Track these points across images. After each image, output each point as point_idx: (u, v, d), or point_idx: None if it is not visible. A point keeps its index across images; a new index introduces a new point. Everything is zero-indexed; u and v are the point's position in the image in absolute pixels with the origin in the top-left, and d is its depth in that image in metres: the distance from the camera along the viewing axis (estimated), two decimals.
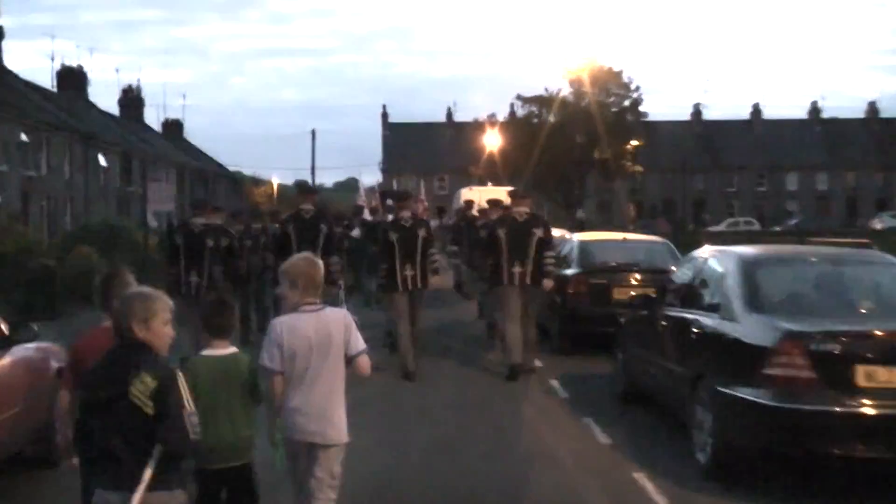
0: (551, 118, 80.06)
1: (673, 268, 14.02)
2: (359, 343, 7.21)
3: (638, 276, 17.75)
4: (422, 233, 15.86)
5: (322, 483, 7.07)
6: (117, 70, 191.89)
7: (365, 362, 7.23)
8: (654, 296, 13.05)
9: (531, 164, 72.31)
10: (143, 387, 5.26)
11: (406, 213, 16.07)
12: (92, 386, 5.47)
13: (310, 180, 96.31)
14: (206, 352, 7.01)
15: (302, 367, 7.03)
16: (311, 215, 15.69)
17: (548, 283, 15.82)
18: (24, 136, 48.86)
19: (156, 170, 70.33)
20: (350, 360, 7.19)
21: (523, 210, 15.88)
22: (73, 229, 37.76)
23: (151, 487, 5.24)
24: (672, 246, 19.27)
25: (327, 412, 7.10)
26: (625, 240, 19.37)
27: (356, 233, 24.80)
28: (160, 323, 5.57)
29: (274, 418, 7.13)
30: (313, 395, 7.04)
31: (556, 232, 31.53)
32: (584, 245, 19.10)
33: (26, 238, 34.89)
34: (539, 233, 15.63)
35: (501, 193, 21.27)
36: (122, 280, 6.93)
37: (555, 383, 15.24)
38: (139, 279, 7.13)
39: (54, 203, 52.72)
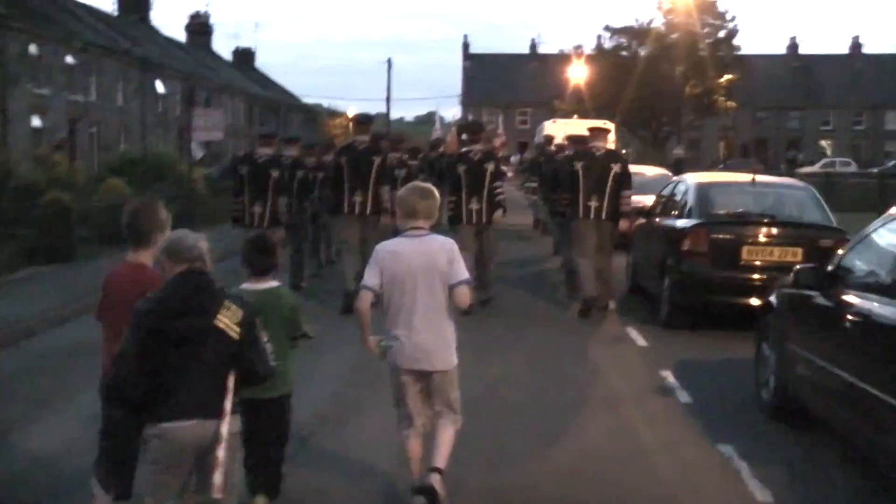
0: (641, 51, 75.68)
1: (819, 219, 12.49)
2: (461, 272, 7.04)
3: (775, 230, 13.63)
4: (490, 167, 15.38)
5: (448, 407, 7.16)
6: None
7: (464, 292, 7.04)
8: (829, 269, 8.75)
9: (619, 98, 68.66)
10: (230, 314, 5.41)
11: (476, 147, 15.66)
12: (171, 315, 5.34)
13: (385, 111, 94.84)
14: (246, 285, 6.99)
15: (405, 292, 6.98)
16: (364, 146, 15.36)
17: (624, 223, 15.53)
18: (70, 59, 45.20)
19: (220, 99, 67.15)
20: (450, 289, 6.99)
21: (601, 145, 15.61)
22: (111, 159, 33.88)
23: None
24: (816, 192, 14.98)
25: (434, 338, 7.03)
26: (754, 182, 14.95)
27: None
28: (209, 265, 5.63)
29: (367, 335, 7.03)
30: (418, 322, 6.98)
31: (655, 170, 28.30)
32: (702, 189, 14.83)
33: (56, 168, 31.48)
34: (616, 168, 15.27)
35: (585, 128, 18.76)
36: (152, 213, 6.44)
37: (668, 376, 11.40)
38: (183, 214, 7.02)
39: (106, 131, 49.23)
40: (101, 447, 5.73)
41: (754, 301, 12.73)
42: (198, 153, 32.30)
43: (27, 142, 40.12)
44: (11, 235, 21.34)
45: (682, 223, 14.18)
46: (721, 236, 13.57)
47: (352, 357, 11.35)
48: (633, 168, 29.52)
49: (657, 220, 15.88)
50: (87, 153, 45.66)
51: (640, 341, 13.32)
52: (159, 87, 56.58)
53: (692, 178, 15.77)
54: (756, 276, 13.24)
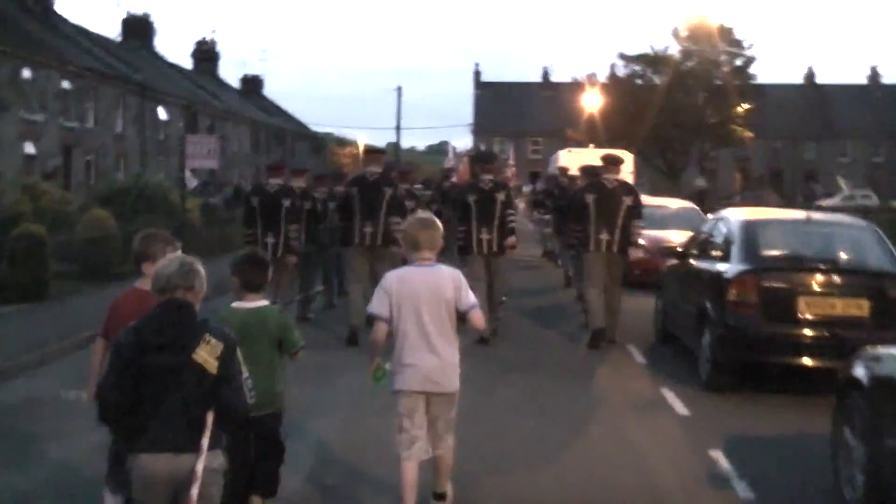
0: (657, 79, 74.01)
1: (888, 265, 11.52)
2: (469, 298, 7.31)
3: (837, 278, 11.66)
4: (500, 196, 15.21)
5: (442, 429, 7.37)
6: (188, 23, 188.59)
7: (478, 316, 7.39)
8: None
9: (634, 127, 66.98)
10: (209, 348, 5.34)
11: (487, 177, 15.52)
12: (148, 350, 5.34)
13: (395, 140, 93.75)
14: (236, 304, 7.07)
15: (414, 319, 7.20)
16: (375, 178, 15.27)
17: (634, 253, 15.41)
18: (65, 84, 43.41)
19: (225, 126, 65.64)
20: (463, 315, 7.30)
21: (613, 177, 15.41)
22: (99, 188, 31.93)
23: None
24: (879, 231, 12.98)
25: (441, 363, 7.27)
26: (809, 220, 12.98)
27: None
28: (199, 290, 5.58)
29: (372, 363, 7.29)
30: (428, 347, 7.22)
31: (679, 203, 26.45)
32: (749, 227, 12.75)
33: (43, 197, 29.68)
34: (629, 201, 15.15)
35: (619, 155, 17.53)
36: (172, 245, 6.82)
37: (719, 458, 9.39)
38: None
39: (103, 159, 47.40)
40: (109, 455, 6.41)
41: (810, 361, 11.30)
42: (191, 182, 30.45)
43: (18, 169, 38.27)
44: None
45: (725, 268, 12.21)
46: (773, 285, 11.58)
47: (359, 384, 9.85)
48: (654, 201, 28.24)
49: (693, 262, 13.93)
50: (83, 182, 43.82)
51: (680, 408, 11.34)
52: (161, 113, 54.89)
53: (736, 215, 13.67)
54: (814, 332, 11.36)
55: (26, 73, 40.49)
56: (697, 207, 27.31)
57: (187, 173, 29.07)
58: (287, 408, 7.42)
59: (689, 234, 22.97)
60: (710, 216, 15.85)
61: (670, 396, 11.85)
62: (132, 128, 51.20)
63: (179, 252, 6.46)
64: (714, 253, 13.17)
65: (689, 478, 8.84)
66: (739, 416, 11.00)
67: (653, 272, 21.37)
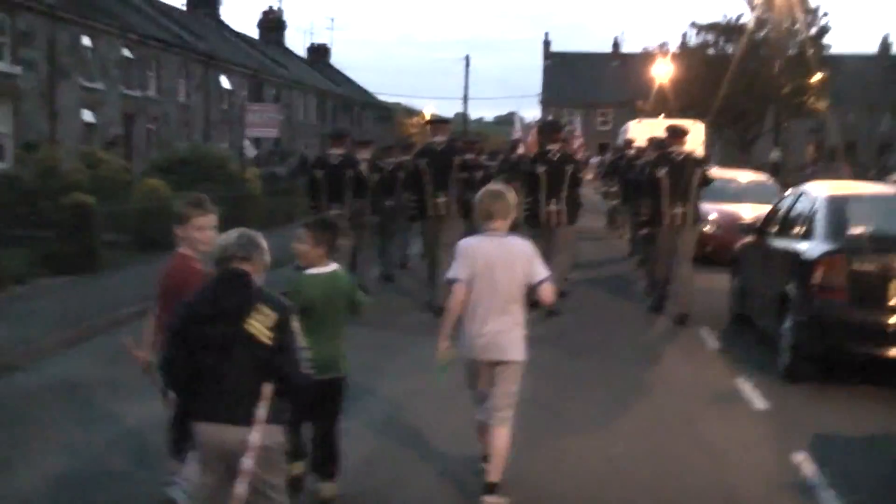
0: (729, 48, 72.47)
1: None
2: (541, 271, 7.28)
3: None
4: (570, 168, 15.21)
5: (502, 400, 7.28)
6: None
7: (548, 290, 7.31)
8: None
9: (705, 97, 65.60)
10: (262, 318, 5.25)
11: (555, 146, 15.42)
12: (201, 320, 5.32)
13: (462, 110, 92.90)
14: (310, 270, 7.07)
15: (483, 288, 7.18)
16: (442, 148, 15.25)
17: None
18: (126, 52, 42.84)
19: (291, 95, 65.11)
20: (534, 288, 7.26)
21: (680, 149, 15.16)
22: (157, 158, 31.27)
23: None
24: None
25: (507, 332, 7.24)
26: None
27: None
28: (258, 261, 5.50)
29: (447, 332, 7.27)
30: (494, 316, 7.19)
31: (750, 175, 25.41)
32: (836, 203, 11.70)
33: (101, 166, 29.16)
34: (699, 172, 14.95)
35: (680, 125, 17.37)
36: (202, 209, 6.71)
37: (803, 461, 8.43)
38: (233, 217, 7.75)
39: (165, 128, 46.86)
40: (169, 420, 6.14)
41: None
42: (251, 151, 29.82)
43: (78, 138, 37.82)
44: (30, 239, 19.00)
45: (809, 248, 11.22)
46: (863, 267, 10.56)
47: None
48: (726, 173, 27.19)
49: (772, 240, 12.94)
50: (144, 151, 43.33)
51: (758, 401, 10.38)
52: (224, 82, 54.32)
53: (821, 189, 12.60)
54: None
55: (86, 41, 39.88)
56: (772, 179, 26.17)
57: (246, 142, 28.57)
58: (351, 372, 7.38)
59: (765, 208, 22.15)
60: (789, 190, 14.78)
61: (747, 388, 10.89)
62: (196, 97, 50.61)
63: (213, 216, 6.69)
64: (796, 230, 12.19)
65: (771, 484, 7.93)
66: (823, 411, 10.06)
67: (725, 249, 20.48)
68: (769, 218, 13.84)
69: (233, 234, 5.54)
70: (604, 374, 11.57)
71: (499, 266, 7.18)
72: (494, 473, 7.16)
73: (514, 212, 7.46)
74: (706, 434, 9.26)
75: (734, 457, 8.59)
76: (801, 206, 12.47)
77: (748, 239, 14.37)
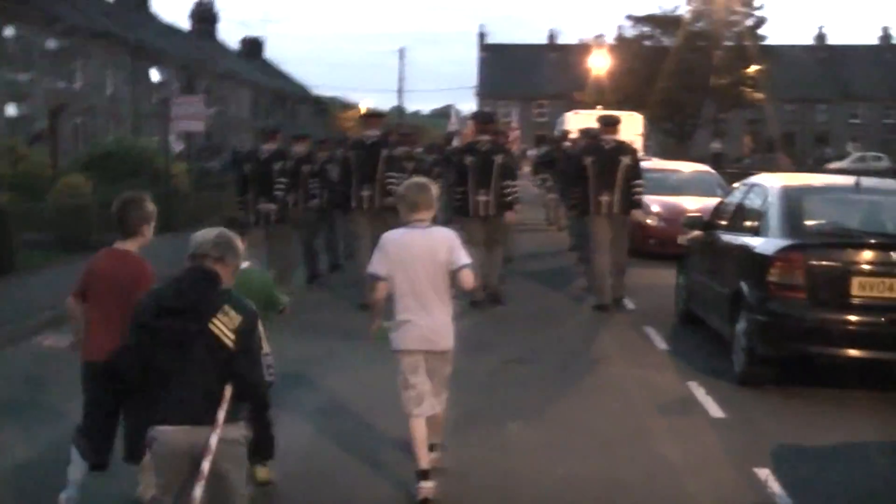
0: (666, 40, 72.61)
1: None
2: (462, 257, 7.35)
3: None
4: (499, 159, 14.99)
5: (442, 385, 7.56)
6: None
7: (468, 275, 7.35)
8: None
9: (642, 89, 66.13)
10: (227, 320, 5.18)
11: (485, 137, 15.35)
12: (162, 314, 5.24)
13: (398, 103, 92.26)
14: None
15: (410, 279, 7.30)
16: (372, 141, 15.30)
17: (636, 214, 15.44)
18: (51, 42, 41.51)
19: (224, 89, 63.89)
20: (454, 274, 7.31)
21: (611, 138, 15.30)
22: (80, 153, 30.12)
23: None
24: None
25: (438, 321, 7.37)
26: (858, 186, 11.24)
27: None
28: (230, 264, 5.48)
29: (376, 319, 7.54)
30: (423, 307, 7.31)
31: (693, 166, 24.82)
32: (791, 196, 10.98)
33: (21, 163, 28.09)
34: (626, 160, 15.07)
35: (613, 115, 17.82)
36: (140, 204, 6.84)
37: (767, 478, 7.71)
38: (160, 214, 7.14)
39: (92, 122, 45.53)
40: (82, 420, 6.62)
41: (865, 353, 9.74)
42: (177, 146, 28.78)
43: (0, 133, 36.48)
44: None
45: (764, 243, 10.52)
46: (823, 263, 9.89)
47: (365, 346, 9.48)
48: (668, 164, 26.66)
49: (723, 235, 12.25)
50: (72, 146, 42.01)
51: (713, 408, 9.63)
52: (154, 75, 53.03)
53: (773, 181, 11.87)
54: (869, 318, 9.73)
55: (8, 32, 38.55)
56: (714, 171, 25.58)
57: (172, 137, 27.44)
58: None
59: (708, 200, 21.53)
60: (738, 182, 14.12)
61: (700, 393, 10.17)
62: (125, 89, 49.32)
63: (151, 205, 6.86)
64: (748, 224, 11.51)
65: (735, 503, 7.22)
66: (784, 419, 9.37)
67: (671, 243, 19.94)
68: (718, 211, 13.14)
69: (211, 233, 5.51)
70: (547, 382, 10.79)
71: (421, 259, 7.29)
72: (436, 436, 7.65)
73: (434, 203, 7.58)
74: (661, 447, 8.49)
75: (693, 472, 7.86)
76: (754, 199, 11.79)
77: (695, 233, 13.69)
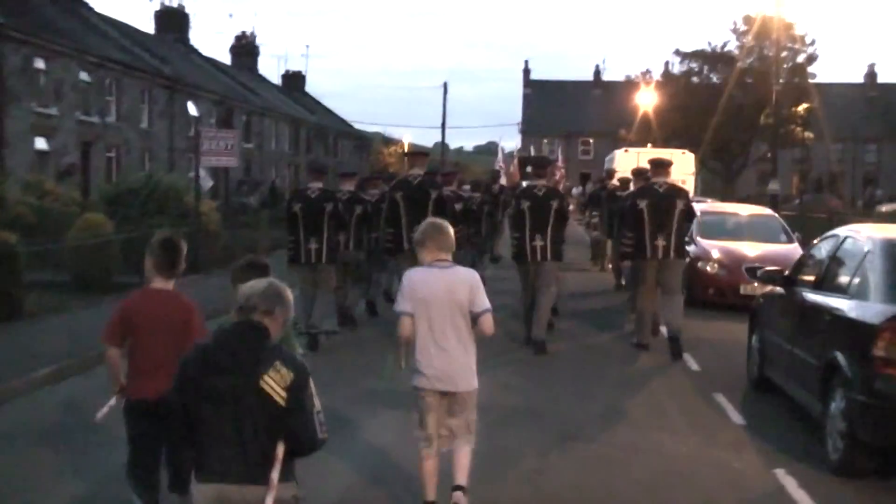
0: (714, 76, 70.97)
1: None
2: (483, 302, 7.32)
3: None
4: (555, 204, 14.96)
5: (462, 429, 7.48)
6: (231, 16, 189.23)
7: (488, 321, 7.33)
8: None
9: (689, 126, 64.05)
10: (278, 377, 4.96)
11: (541, 182, 15.32)
12: (210, 371, 5.00)
13: (441, 138, 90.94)
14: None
15: (430, 318, 7.30)
16: (418, 181, 15.22)
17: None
18: (83, 75, 40.40)
19: (263, 123, 62.90)
20: (475, 319, 7.31)
21: (663, 180, 15.13)
22: (105, 188, 28.69)
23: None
24: None
25: (457, 362, 7.35)
26: None
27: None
28: (282, 317, 5.23)
29: (400, 355, 7.66)
30: (442, 347, 7.30)
31: (752, 209, 23.43)
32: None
33: (46, 197, 26.91)
34: (681, 204, 14.85)
35: (665, 157, 18.35)
36: (179, 245, 6.88)
37: None
38: (189, 249, 7.20)
39: (125, 156, 44.39)
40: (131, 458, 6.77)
41: None
42: (207, 181, 27.40)
43: (29, 167, 35.33)
44: None
45: (867, 309, 8.93)
46: None
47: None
48: (724, 206, 25.13)
49: (808, 293, 10.67)
50: (104, 181, 40.86)
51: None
52: (192, 108, 51.90)
53: (870, 232, 10.28)
54: None
55: (39, 63, 37.43)
56: (776, 214, 23.95)
57: (202, 172, 26.09)
58: None
59: (771, 247, 19.98)
60: (828, 232, 12.51)
61: (790, 485, 8.55)
62: (160, 124, 48.21)
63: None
64: (841, 283, 9.93)
65: None
66: None
67: (731, 292, 18.55)
68: (801, 265, 11.58)
69: (261, 284, 5.28)
70: (607, 464, 9.27)
71: (444, 298, 7.29)
72: (462, 478, 7.48)
73: (454, 243, 7.58)
74: None
75: None
76: (847, 253, 10.21)
77: (771, 289, 12.14)
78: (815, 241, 11.96)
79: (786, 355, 10.87)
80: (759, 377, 12.16)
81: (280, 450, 4.97)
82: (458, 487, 7.43)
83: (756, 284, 18.52)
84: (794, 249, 19.81)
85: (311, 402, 5.07)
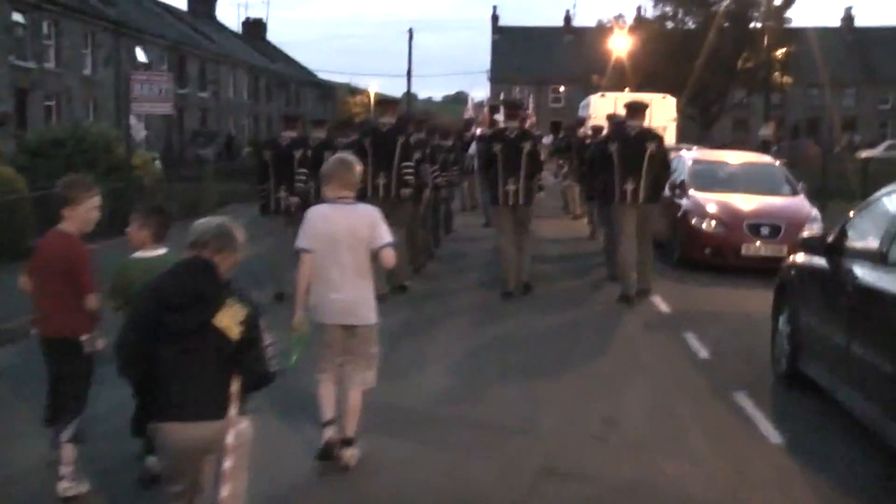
0: (688, 21, 69.36)
1: None
2: (384, 237, 7.39)
3: None
4: (527, 146, 14.84)
5: (360, 363, 7.48)
6: None
7: (388, 254, 7.39)
8: None
9: (663, 72, 64.09)
10: (232, 312, 5.07)
11: (513, 124, 15.35)
12: (168, 308, 5.04)
13: (406, 87, 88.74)
14: (138, 254, 6.97)
15: (332, 254, 7.32)
16: (388, 128, 15.04)
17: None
18: (17, 16, 37.50)
19: (219, 71, 60.19)
20: (375, 253, 7.37)
21: (637, 124, 14.81)
22: (26, 139, 25.91)
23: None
24: None
25: (357, 297, 7.38)
26: None
27: (472, 150, 24.60)
28: (230, 255, 5.30)
29: (302, 301, 7.35)
30: (344, 282, 7.32)
31: (748, 156, 21.89)
32: None
33: None
34: (652, 147, 14.53)
35: (642, 100, 17.35)
36: (91, 189, 6.72)
37: None
38: (120, 206, 7.13)
39: (66, 105, 41.56)
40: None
41: None
42: (140, 131, 24.67)
43: None
44: None
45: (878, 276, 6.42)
46: None
47: None
48: (715, 154, 22.60)
49: (864, 269, 8.04)
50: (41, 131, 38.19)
51: None
52: (140, 54, 49.08)
53: None
54: None
55: None
56: (777, 162, 21.35)
57: (133, 120, 23.37)
58: None
59: (774, 199, 17.64)
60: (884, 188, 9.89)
61: None
62: (105, 71, 45.37)
63: (98, 197, 6.69)
64: (857, 248, 7.45)
65: None
66: None
67: (731, 253, 16.19)
68: (849, 228, 8.93)
69: (213, 222, 5.33)
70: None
71: (344, 235, 7.30)
72: (350, 428, 7.42)
73: (359, 180, 7.56)
74: None
75: None
76: (876, 213, 7.66)
77: (806, 258, 9.60)
78: (870, 199, 9.26)
79: (835, 351, 8.19)
80: (788, 371, 9.59)
81: (235, 385, 5.06)
82: (348, 442, 7.40)
83: (758, 244, 16.32)
84: (801, 202, 17.79)
85: (262, 336, 5.14)
